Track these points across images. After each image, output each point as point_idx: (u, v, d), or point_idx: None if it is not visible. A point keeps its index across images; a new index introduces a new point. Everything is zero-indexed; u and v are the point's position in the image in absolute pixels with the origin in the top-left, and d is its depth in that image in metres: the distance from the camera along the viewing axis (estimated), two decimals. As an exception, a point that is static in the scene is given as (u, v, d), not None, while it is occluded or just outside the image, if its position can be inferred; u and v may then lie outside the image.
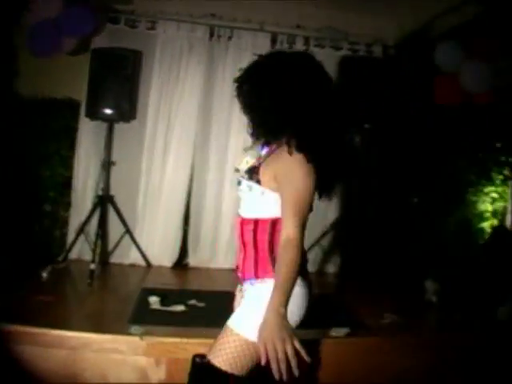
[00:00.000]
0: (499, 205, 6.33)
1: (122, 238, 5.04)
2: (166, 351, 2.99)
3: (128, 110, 4.86)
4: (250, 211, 1.99)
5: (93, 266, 4.39)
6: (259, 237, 1.94)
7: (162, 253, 5.15)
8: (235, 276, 2.12)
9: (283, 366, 1.58)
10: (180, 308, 3.57)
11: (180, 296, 3.83)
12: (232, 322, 1.95)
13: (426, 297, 4.33)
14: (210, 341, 2.93)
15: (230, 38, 5.18)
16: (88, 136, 5.10)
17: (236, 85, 2.03)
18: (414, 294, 4.60)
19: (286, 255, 1.75)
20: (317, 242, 5.28)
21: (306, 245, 4.99)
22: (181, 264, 5.21)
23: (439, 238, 5.91)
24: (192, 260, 5.25)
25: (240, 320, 1.93)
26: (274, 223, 1.93)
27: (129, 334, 3.03)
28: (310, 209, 1.88)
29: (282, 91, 1.88)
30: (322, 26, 5.34)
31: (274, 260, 1.90)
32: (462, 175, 6.20)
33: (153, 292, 3.78)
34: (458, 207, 6.00)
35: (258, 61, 2.02)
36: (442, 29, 5.34)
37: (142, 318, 3.32)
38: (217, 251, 5.27)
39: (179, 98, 5.13)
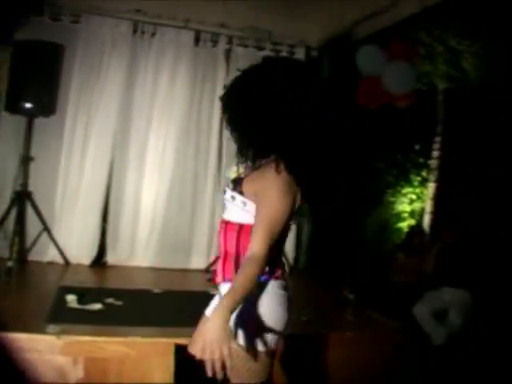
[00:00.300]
0: (417, 205, 6.69)
1: (39, 235, 4.98)
2: (84, 350, 2.97)
3: (48, 105, 4.80)
4: (233, 215, 1.98)
5: (10, 264, 4.34)
6: (242, 242, 1.93)
7: (81, 251, 5.11)
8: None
9: (217, 366, 1.58)
10: (97, 306, 3.58)
11: (97, 294, 3.83)
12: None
13: (344, 294, 4.43)
14: (128, 339, 3.02)
15: (153, 34, 5.22)
16: (7, 130, 5.03)
17: (223, 101, 1.96)
18: (333, 291, 4.77)
19: (248, 269, 1.73)
20: None
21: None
22: (99, 262, 5.19)
23: (359, 237, 6.18)
24: (110, 258, 5.24)
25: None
26: None
27: (46, 332, 2.99)
28: (288, 228, 1.90)
29: (272, 107, 1.82)
30: (246, 25, 5.43)
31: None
32: (380, 177, 6.49)
33: (70, 290, 3.77)
34: (377, 208, 6.28)
35: (243, 75, 1.95)
36: (363, 33, 5.59)
37: (59, 316, 3.31)
38: (135, 249, 5.29)
39: (100, 93, 5.13)
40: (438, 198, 6.47)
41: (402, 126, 6.77)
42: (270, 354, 1.91)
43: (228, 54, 5.51)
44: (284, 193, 1.80)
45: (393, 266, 5.53)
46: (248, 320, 1.84)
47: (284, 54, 5.61)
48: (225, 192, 2.03)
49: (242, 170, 2.03)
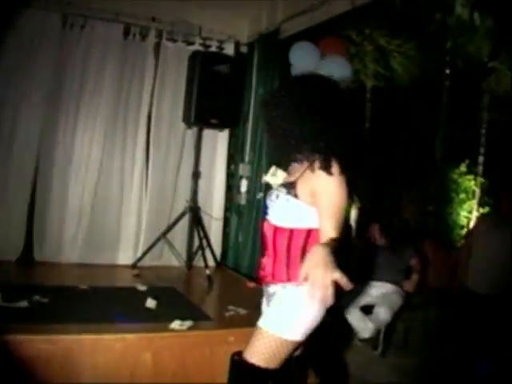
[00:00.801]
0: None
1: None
2: (8, 349, 2.92)
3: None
4: (285, 221, 2.21)
5: None
6: (293, 244, 2.18)
7: (6, 247, 5.05)
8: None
9: (320, 290, 1.72)
10: (23, 304, 3.57)
11: (23, 291, 3.81)
12: (264, 323, 2.24)
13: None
14: (54, 337, 3.02)
15: (82, 27, 5.19)
16: None
17: (269, 110, 2.24)
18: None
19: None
20: (163, 234, 5.44)
21: (152, 238, 5.21)
22: (26, 258, 5.14)
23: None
24: (37, 254, 5.21)
25: (273, 321, 2.21)
26: (309, 233, 2.18)
27: (-32, 330, 2.98)
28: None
29: (323, 115, 2.13)
30: (177, 19, 5.49)
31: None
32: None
33: (-5, 287, 3.74)
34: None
35: (290, 86, 2.28)
36: (293, 30, 5.69)
37: (-17, 314, 3.28)
38: (62, 245, 5.30)
39: (26, 86, 5.07)
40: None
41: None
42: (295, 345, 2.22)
43: (157, 48, 5.56)
44: (341, 188, 2.08)
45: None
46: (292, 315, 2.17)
47: (213, 49, 5.73)
48: (272, 195, 2.30)
49: (281, 174, 2.30)
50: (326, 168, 2.08)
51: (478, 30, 7.87)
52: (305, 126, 2.14)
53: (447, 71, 8.20)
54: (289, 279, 2.22)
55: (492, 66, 9.14)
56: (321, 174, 2.10)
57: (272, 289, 2.31)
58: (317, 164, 2.12)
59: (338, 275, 1.73)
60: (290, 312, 2.20)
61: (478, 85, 9.24)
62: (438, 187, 7.20)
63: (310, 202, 2.15)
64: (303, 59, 5.34)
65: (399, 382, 4.38)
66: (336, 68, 5.28)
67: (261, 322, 2.27)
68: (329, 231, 2.05)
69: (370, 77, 6.63)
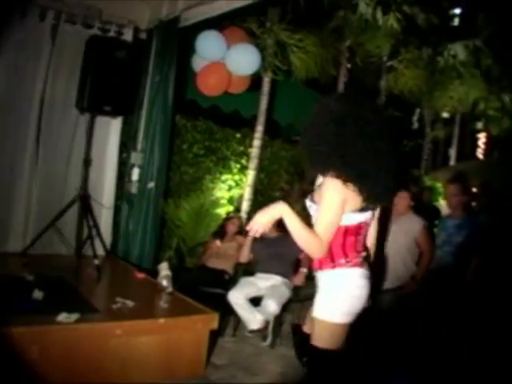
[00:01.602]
0: (236, 192, 7.29)
1: None
2: None
3: None
4: None
5: None
6: (334, 239, 2.69)
7: None
8: None
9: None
10: None
11: None
12: (316, 312, 2.73)
13: (158, 280, 4.62)
14: None
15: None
16: None
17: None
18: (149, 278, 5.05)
19: (313, 239, 2.61)
20: (52, 222, 5.46)
21: (43, 226, 5.24)
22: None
23: (177, 221, 6.60)
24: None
25: (321, 308, 2.72)
26: (345, 230, 2.73)
27: None
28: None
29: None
30: (77, 1, 5.51)
31: (346, 255, 2.74)
32: (200, 163, 6.96)
33: None
34: (196, 193, 6.73)
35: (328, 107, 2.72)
36: (193, 19, 5.90)
37: None
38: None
39: None
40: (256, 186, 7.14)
41: (225, 116, 7.34)
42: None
43: (55, 30, 5.52)
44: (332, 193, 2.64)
45: (208, 252, 5.95)
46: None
47: (112, 33, 5.77)
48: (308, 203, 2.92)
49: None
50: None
51: (380, 29, 8.38)
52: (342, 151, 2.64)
53: (345, 68, 8.71)
54: (333, 267, 2.75)
55: (390, 65, 9.78)
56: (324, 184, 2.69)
57: (319, 274, 2.83)
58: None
59: (262, 220, 2.73)
60: (331, 298, 2.72)
61: (375, 82, 9.86)
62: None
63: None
64: (210, 48, 5.60)
65: (287, 372, 4.58)
66: (245, 56, 5.70)
67: (314, 313, 2.76)
68: (320, 232, 2.63)
69: (267, 70, 6.88)
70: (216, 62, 5.68)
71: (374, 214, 2.92)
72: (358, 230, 2.82)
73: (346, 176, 2.66)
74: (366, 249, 2.94)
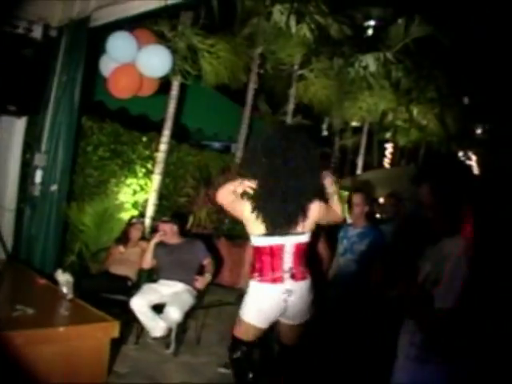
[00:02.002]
0: (140, 196, 7.35)
1: None
2: None
3: None
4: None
5: None
6: (253, 257, 3.71)
7: None
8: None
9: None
10: None
11: None
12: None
13: (59, 288, 4.52)
14: None
15: None
16: None
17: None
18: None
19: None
20: None
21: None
22: None
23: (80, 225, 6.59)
24: None
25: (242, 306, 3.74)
26: (257, 250, 3.71)
27: None
28: None
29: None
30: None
31: (260, 271, 3.66)
32: (105, 166, 6.97)
33: None
34: (101, 197, 6.74)
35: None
36: (104, 19, 5.93)
37: None
38: None
39: None
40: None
41: (133, 118, 7.39)
42: None
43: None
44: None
45: (111, 258, 5.99)
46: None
47: (20, 30, 5.67)
48: None
49: None
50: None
51: (292, 38, 8.66)
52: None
53: (256, 75, 8.94)
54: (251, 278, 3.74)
55: (301, 74, 10.11)
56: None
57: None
58: None
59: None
60: (245, 300, 3.74)
61: (285, 90, 10.15)
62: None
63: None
64: (121, 49, 5.70)
65: (189, 381, 4.71)
66: (158, 58, 5.87)
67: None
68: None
69: (177, 74, 6.99)
70: (126, 63, 5.75)
71: (292, 239, 3.65)
72: (272, 251, 3.64)
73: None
74: (296, 267, 3.67)
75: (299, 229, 3.61)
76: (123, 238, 6.07)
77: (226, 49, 7.38)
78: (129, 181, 7.21)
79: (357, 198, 5.23)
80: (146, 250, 5.77)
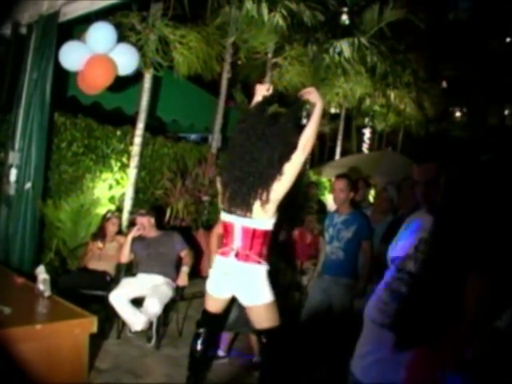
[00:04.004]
0: (117, 191, 7.34)
1: None
2: None
3: None
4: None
5: None
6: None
7: None
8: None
9: None
10: None
11: None
12: None
13: (37, 286, 4.55)
14: None
15: None
16: None
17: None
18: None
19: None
20: None
21: None
22: None
23: (56, 222, 6.56)
24: None
25: None
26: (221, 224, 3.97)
27: None
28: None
29: None
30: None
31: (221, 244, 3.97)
32: (80, 161, 6.95)
33: None
34: (76, 193, 6.72)
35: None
36: (74, 14, 5.91)
37: None
38: None
39: None
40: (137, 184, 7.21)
41: (107, 113, 7.37)
42: None
43: None
44: None
45: (88, 254, 5.99)
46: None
47: None
48: None
49: None
50: None
51: (265, 26, 8.64)
52: None
53: (229, 64, 8.92)
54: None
55: (275, 62, 10.10)
56: None
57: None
58: None
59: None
60: None
61: (260, 79, 10.13)
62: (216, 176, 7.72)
63: None
64: (101, 41, 5.73)
65: (172, 373, 4.73)
66: (129, 55, 5.95)
67: None
68: None
69: (148, 66, 6.98)
70: (102, 54, 5.78)
71: (240, 221, 3.72)
72: (226, 227, 3.86)
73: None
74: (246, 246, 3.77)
75: (248, 213, 3.67)
76: (100, 234, 6.06)
77: (197, 39, 7.36)
78: (104, 175, 7.18)
79: (340, 184, 5.05)
80: (123, 244, 5.77)
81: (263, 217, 3.68)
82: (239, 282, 3.82)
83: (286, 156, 3.57)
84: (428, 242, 2.38)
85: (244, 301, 3.86)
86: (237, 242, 3.79)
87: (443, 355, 2.08)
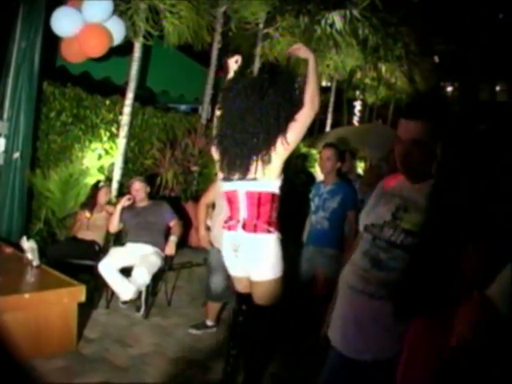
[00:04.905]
0: (106, 161, 7.30)
1: None
2: None
3: None
4: None
5: None
6: None
7: None
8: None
9: None
10: None
11: None
12: None
13: (25, 256, 4.64)
14: None
15: None
16: None
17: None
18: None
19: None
20: None
21: None
22: None
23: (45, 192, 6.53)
24: None
25: None
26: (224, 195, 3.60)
27: None
28: None
29: None
30: None
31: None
32: (69, 131, 6.89)
33: None
34: (65, 163, 6.68)
35: None
36: None
37: None
38: None
39: None
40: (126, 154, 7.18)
41: (97, 83, 7.30)
42: None
43: None
44: None
45: (77, 223, 5.97)
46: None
47: None
48: None
49: None
50: None
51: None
52: None
53: (219, 34, 8.83)
54: None
55: (266, 33, 10.01)
56: None
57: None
58: None
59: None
60: None
61: (250, 49, 10.05)
62: (206, 146, 7.70)
63: None
64: (97, 10, 5.86)
65: (160, 343, 4.75)
66: (119, 25, 6.07)
67: None
68: None
69: (138, 35, 6.89)
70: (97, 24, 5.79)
71: (244, 186, 3.41)
72: (228, 198, 3.53)
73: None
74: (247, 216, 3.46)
75: (251, 175, 3.36)
76: (89, 203, 6.01)
77: (188, 8, 7.25)
78: (93, 145, 7.13)
79: (327, 152, 4.97)
80: (112, 214, 5.75)
81: (268, 178, 3.36)
82: (250, 256, 3.47)
83: (292, 115, 3.30)
84: (422, 211, 2.28)
85: (253, 275, 3.50)
86: (242, 212, 3.45)
87: (444, 328, 2.04)
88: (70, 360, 4.15)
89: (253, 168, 3.33)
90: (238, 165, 3.34)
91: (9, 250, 5.06)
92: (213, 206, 5.01)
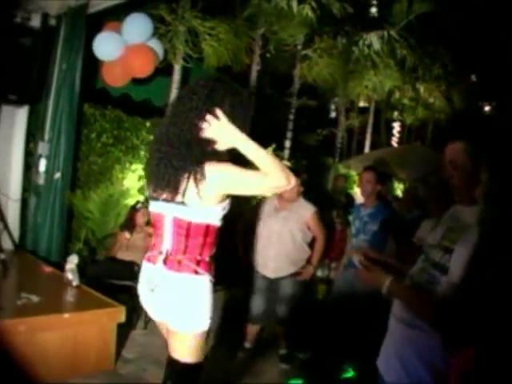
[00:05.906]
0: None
1: None
2: None
3: None
4: None
5: None
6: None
7: None
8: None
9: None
10: None
11: None
12: None
13: (65, 275, 4.63)
14: None
15: None
16: None
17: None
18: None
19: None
20: None
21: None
22: None
23: (85, 213, 6.57)
24: None
25: None
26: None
27: None
28: None
29: None
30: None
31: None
32: (109, 152, 6.95)
33: None
34: (106, 184, 6.72)
35: None
36: (103, 5, 5.97)
37: None
38: None
39: None
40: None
41: (136, 104, 7.35)
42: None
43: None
44: None
45: (117, 244, 5.97)
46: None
47: (18, 19, 5.62)
48: None
49: None
50: None
51: (294, 18, 8.56)
52: None
53: (258, 56, 8.86)
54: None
55: (305, 54, 10.01)
56: None
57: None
58: None
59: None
60: None
61: (289, 71, 10.07)
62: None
63: None
64: (137, 31, 5.87)
65: None
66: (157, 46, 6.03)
67: None
68: None
69: (178, 57, 6.95)
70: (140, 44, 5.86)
71: (171, 210, 2.52)
72: (154, 221, 2.68)
73: None
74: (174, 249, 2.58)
75: (179, 197, 2.46)
76: (128, 224, 6.01)
77: (226, 30, 7.31)
78: (134, 166, 7.17)
79: (368, 175, 4.94)
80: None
81: (202, 203, 2.45)
82: (168, 300, 2.58)
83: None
84: (458, 231, 2.17)
85: (172, 324, 2.59)
86: (166, 242, 2.58)
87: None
88: (108, 380, 4.13)
89: (181, 188, 2.45)
90: (166, 181, 2.47)
91: (49, 269, 5.07)
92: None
